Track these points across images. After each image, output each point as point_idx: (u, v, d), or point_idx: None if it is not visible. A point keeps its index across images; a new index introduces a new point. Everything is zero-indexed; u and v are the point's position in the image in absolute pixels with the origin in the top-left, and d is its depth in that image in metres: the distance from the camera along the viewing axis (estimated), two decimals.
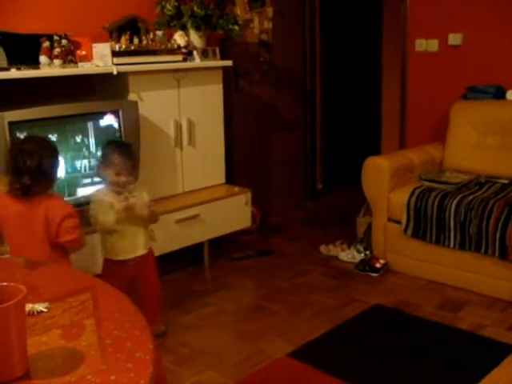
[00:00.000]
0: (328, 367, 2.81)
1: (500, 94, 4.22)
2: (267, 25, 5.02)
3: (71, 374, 1.23)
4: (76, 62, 3.43)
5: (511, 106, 4.11)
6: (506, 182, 3.86)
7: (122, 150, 2.95)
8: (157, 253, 3.70)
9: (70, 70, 3.37)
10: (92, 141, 3.41)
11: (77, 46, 3.50)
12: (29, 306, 1.50)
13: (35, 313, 1.52)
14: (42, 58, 3.31)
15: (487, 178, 3.96)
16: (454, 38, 4.47)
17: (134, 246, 3.04)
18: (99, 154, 3.20)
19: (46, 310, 1.54)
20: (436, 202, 3.69)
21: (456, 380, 2.72)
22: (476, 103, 4.22)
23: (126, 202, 2.89)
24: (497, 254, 3.42)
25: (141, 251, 3.07)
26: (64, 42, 3.37)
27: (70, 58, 3.39)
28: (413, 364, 2.87)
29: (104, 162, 2.95)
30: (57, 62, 3.33)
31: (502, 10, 4.21)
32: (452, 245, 3.62)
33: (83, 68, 3.45)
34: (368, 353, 2.99)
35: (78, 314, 1.53)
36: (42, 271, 1.93)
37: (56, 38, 3.35)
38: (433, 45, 4.60)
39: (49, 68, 3.31)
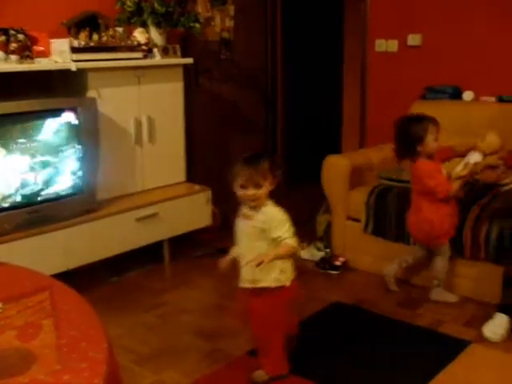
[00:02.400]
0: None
1: (457, 95, 4.30)
2: (228, 23, 5.01)
3: (24, 374, 1.22)
4: (33, 58, 3.38)
5: (468, 107, 4.19)
6: None
7: (248, 160, 2.56)
8: (116, 251, 3.70)
9: (26, 66, 3.31)
10: (50, 138, 3.36)
11: (34, 41, 3.44)
12: None
13: None
14: None
15: None
16: (413, 39, 4.53)
17: None
18: None
19: (0, 311, 1.51)
20: (395, 201, 3.73)
21: (412, 376, 2.77)
22: (434, 103, 4.28)
23: (246, 218, 2.60)
24: (454, 251, 3.47)
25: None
26: (21, 36, 3.31)
27: (26, 53, 3.33)
28: (370, 360, 2.91)
29: (232, 177, 2.55)
30: (13, 57, 3.27)
31: (461, 11, 4.28)
32: (412, 242, 3.67)
33: (41, 64, 3.39)
34: (327, 350, 3.01)
35: (33, 315, 1.52)
36: None
37: (12, 32, 3.29)
38: (392, 45, 4.66)
39: (5, 63, 3.25)
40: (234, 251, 2.67)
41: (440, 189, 3.24)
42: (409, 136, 3.26)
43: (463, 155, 3.34)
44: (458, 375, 2.76)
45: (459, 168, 3.30)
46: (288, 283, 2.63)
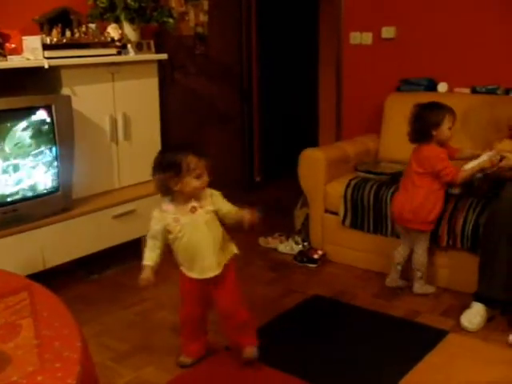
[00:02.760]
0: (267, 358, 2.82)
1: (432, 87, 4.32)
2: (203, 17, 4.99)
3: None
4: (5, 56, 3.34)
5: (442, 99, 4.19)
6: None
7: (192, 150, 2.59)
8: (94, 249, 3.67)
9: None
10: (24, 137, 3.33)
11: (6, 38, 3.41)
12: None
13: None
14: None
15: None
16: (387, 31, 4.54)
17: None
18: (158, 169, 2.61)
19: None
20: (372, 193, 3.76)
21: (391, 366, 2.79)
22: (409, 95, 4.29)
23: (193, 211, 2.62)
24: (430, 241, 3.50)
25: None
26: None
27: None
28: (350, 352, 2.92)
29: (176, 171, 2.54)
30: None
31: (434, 3, 4.30)
32: (389, 234, 3.70)
33: (12, 62, 3.36)
34: (306, 342, 3.02)
35: (7, 316, 1.50)
36: None
37: None
38: (367, 38, 4.67)
39: None
40: (149, 260, 2.66)
41: (448, 171, 3.28)
42: (426, 120, 3.34)
43: (469, 159, 3.38)
44: (438, 364, 2.79)
45: (475, 163, 3.32)
46: (235, 249, 2.77)
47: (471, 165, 3.30)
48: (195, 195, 2.61)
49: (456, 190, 3.45)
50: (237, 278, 2.77)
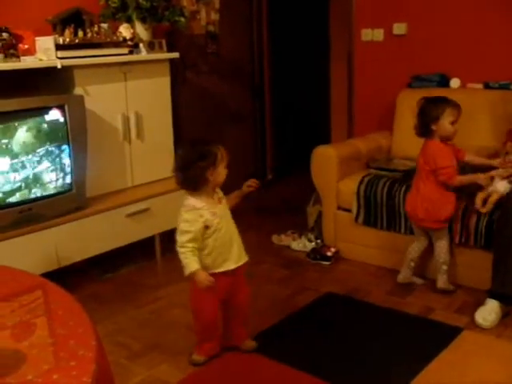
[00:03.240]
0: (281, 356, 2.83)
1: (444, 83, 4.30)
2: (214, 16, 5.00)
3: (13, 375, 1.22)
4: (18, 56, 3.36)
5: (455, 95, 4.17)
6: None
7: (215, 140, 2.72)
8: (108, 248, 3.69)
9: (11, 65, 3.30)
10: (36, 137, 3.35)
11: (19, 39, 3.43)
12: None
13: None
14: None
15: None
16: (399, 28, 4.53)
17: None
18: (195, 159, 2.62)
19: None
20: (385, 190, 3.74)
21: (405, 363, 2.78)
22: (421, 92, 4.25)
23: (220, 202, 2.72)
24: None
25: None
26: (5, 35, 3.29)
27: (11, 51, 3.32)
28: (363, 349, 2.92)
29: (212, 160, 2.61)
30: None
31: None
32: (403, 231, 3.68)
33: (26, 62, 3.38)
34: (319, 340, 3.02)
35: (25, 315, 1.52)
36: None
37: None
38: (378, 34, 4.65)
39: None
40: (197, 264, 2.63)
41: (445, 171, 3.26)
42: (427, 114, 3.32)
43: (478, 167, 3.38)
44: (452, 362, 2.77)
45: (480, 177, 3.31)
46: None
47: (476, 177, 3.30)
48: (218, 186, 2.71)
49: (483, 210, 3.31)
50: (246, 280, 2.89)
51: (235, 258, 2.72)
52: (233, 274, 2.73)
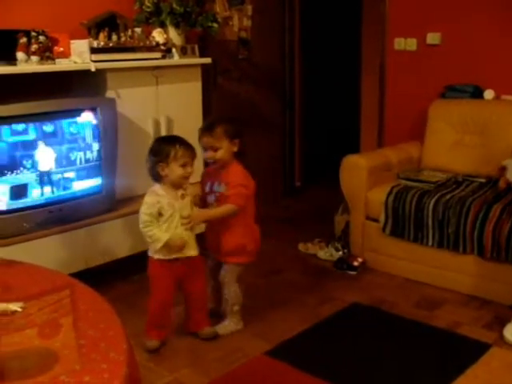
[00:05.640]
0: (305, 365, 2.81)
1: (478, 94, 4.25)
2: (246, 22, 5.02)
3: (45, 374, 1.23)
4: (53, 59, 3.41)
5: (488, 106, 4.15)
6: (483, 180, 3.89)
7: (181, 140, 2.91)
8: (135, 250, 3.70)
9: (47, 67, 3.34)
10: (70, 138, 3.38)
11: (54, 42, 3.47)
12: (2, 306, 1.49)
13: (9, 312, 1.50)
14: (19, 55, 3.28)
15: (465, 176, 3.99)
16: (433, 37, 4.50)
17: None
18: (151, 154, 2.91)
19: (20, 310, 1.52)
20: (414, 201, 3.71)
21: (432, 378, 2.74)
22: (454, 102, 4.25)
23: (183, 198, 2.92)
24: (475, 252, 3.45)
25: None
26: (41, 38, 3.34)
27: (47, 54, 3.36)
28: (389, 362, 2.89)
29: (163, 157, 2.83)
30: (34, 58, 3.30)
31: (480, 9, 4.24)
32: (430, 243, 3.64)
33: (61, 65, 3.42)
34: (345, 351, 3.00)
35: (53, 314, 1.52)
36: (17, 270, 1.91)
37: (33, 34, 3.31)
38: (411, 44, 4.63)
39: (26, 64, 3.28)
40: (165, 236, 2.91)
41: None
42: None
43: None
44: (479, 378, 2.72)
45: None
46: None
47: None
48: (181, 185, 2.89)
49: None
50: None
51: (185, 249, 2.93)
52: (187, 262, 2.95)
